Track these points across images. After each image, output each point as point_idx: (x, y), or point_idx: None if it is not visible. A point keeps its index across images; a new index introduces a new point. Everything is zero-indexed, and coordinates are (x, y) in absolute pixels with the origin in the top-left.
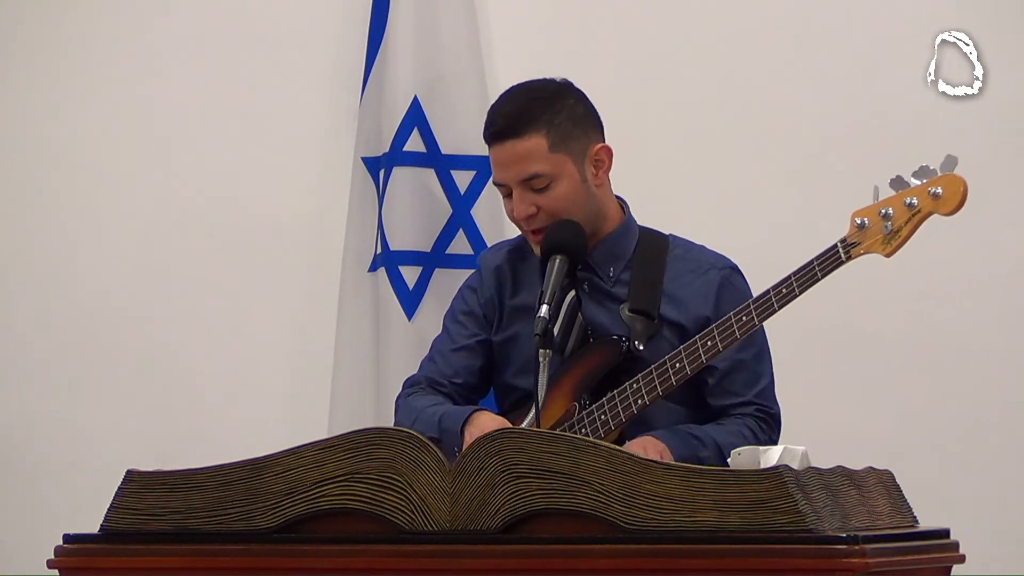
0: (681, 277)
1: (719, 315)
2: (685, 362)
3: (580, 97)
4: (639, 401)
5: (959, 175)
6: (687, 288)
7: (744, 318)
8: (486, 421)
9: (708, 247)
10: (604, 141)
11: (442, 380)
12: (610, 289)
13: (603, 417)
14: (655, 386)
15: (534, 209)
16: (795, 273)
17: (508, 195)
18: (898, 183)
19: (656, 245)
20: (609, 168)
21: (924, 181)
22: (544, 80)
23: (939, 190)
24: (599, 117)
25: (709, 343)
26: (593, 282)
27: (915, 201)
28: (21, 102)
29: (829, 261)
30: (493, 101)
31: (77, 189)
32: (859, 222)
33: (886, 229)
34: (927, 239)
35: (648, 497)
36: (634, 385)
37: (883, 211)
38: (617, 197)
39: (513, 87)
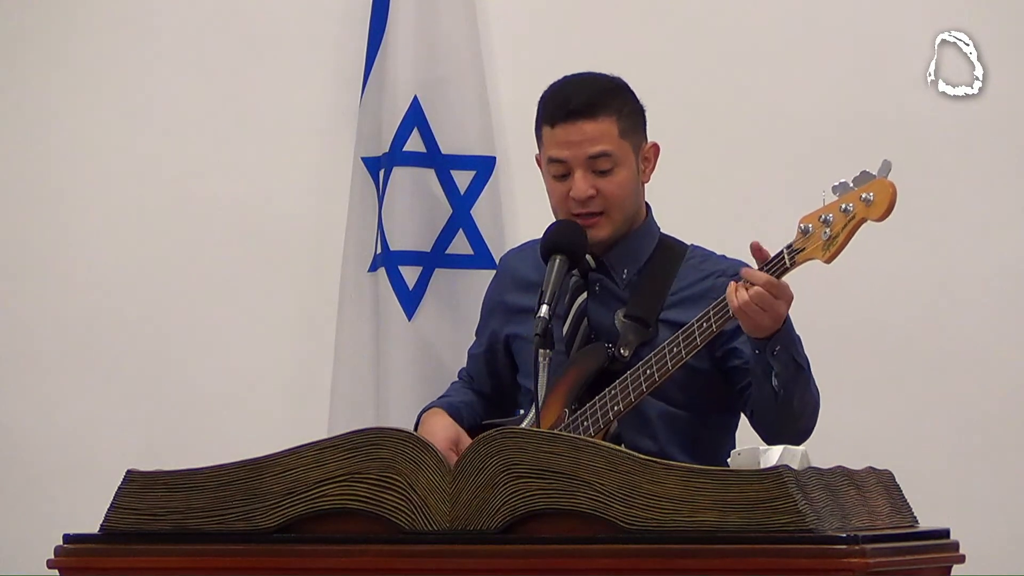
0: (691, 284)
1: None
2: (654, 369)
3: (635, 96)
4: (615, 407)
5: (889, 180)
6: (693, 293)
7: (704, 324)
8: (429, 425)
9: (728, 256)
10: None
11: (471, 376)
12: (620, 291)
13: (585, 423)
14: (628, 392)
15: (593, 191)
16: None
17: (561, 176)
18: (841, 188)
19: (673, 252)
20: (654, 167)
21: (863, 185)
22: (604, 73)
23: (871, 195)
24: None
25: (675, 350)
26: (605, 283)
27: (851, 207)
28: (21, 102)
29: (776, 268)
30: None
31: (77, 189)
32: (803, 228)
33: (825, 235)
34: (927, 239)
35: (648, 497)
36: (612, 392)
37: (823, 217)
38: None
39: (575, 75)
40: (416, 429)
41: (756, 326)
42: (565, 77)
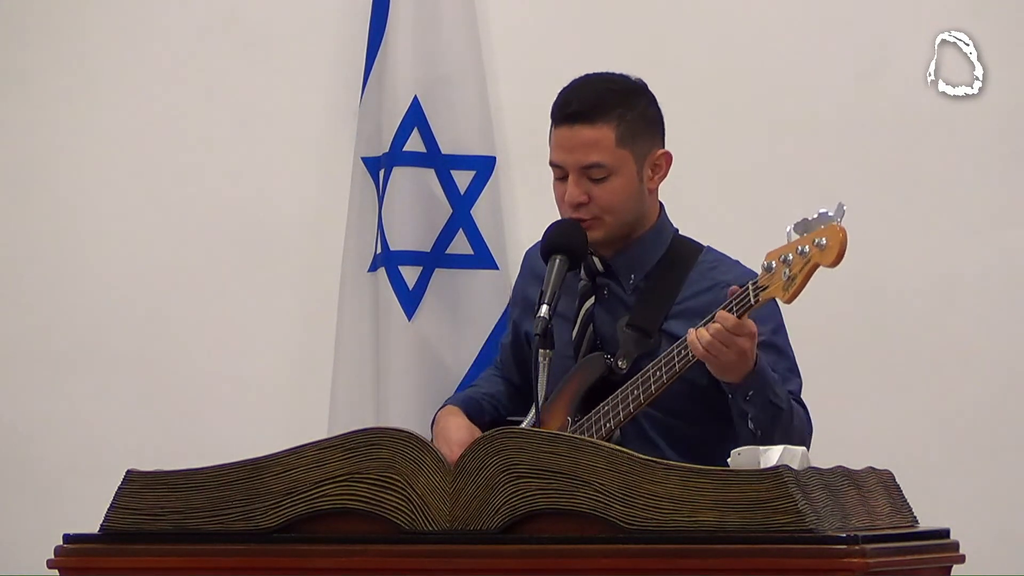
0: (696, 294)
1: None
2: (640, 391)
3: (652, 100)
4: (607, 425)
5: (840, 226)
6: (698, 305)
7: (683, 351)
8: (443, 426)
9: (743, 263)
10: (665, 147)
11: (502, 364)
12: (626, 297)
13: (584, 436)
14: (619, 411)
15: (586, 198)
16: (719, 309)
17: (562, 178)
18: (800, 227)
19: (685, 256)
20: (665, 175)
21: (817, 229)
22: (622, 75)
23: (824, 241)
24: (664, 124)
25: (657, 374)
26: (612, 289)
27: (807, 249)
28: (22, 102)
29: (742, 302)
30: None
31: (77, 190)
32: (766, 265)
33: (785, 275)
34: (927, 239)
35: (648, 497)
36: (604, 408)
37: (783, 256)
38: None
39: (590, 74)
40: (433, 425)
41: (723, 366)
42: (585, 75)
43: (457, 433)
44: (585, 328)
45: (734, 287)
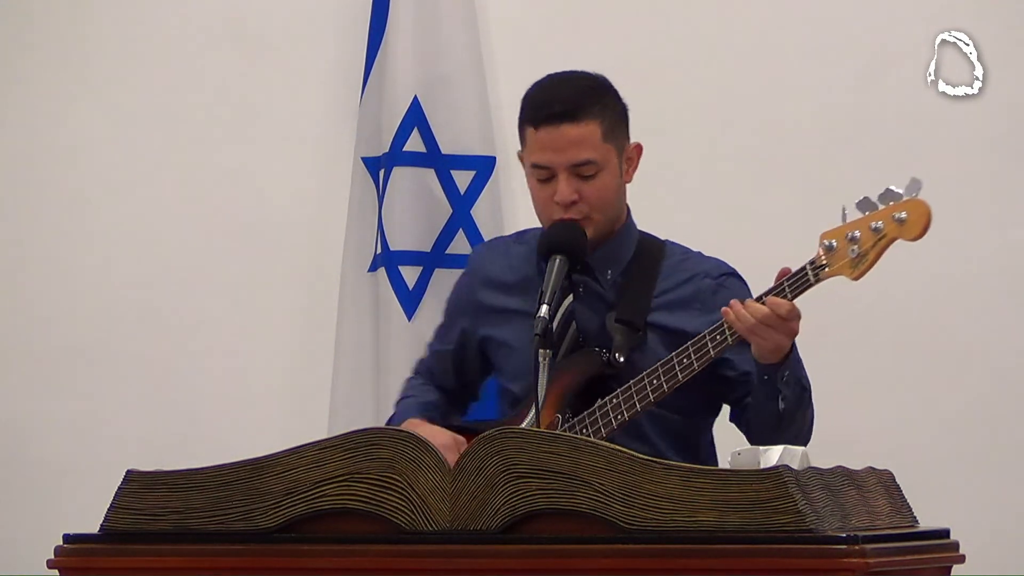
0: (676, 286)
1: (713, 324)
2: (663, 379)
3: (618, 94)
4: (619, 418)
5: (923, 200)
6: (680, 296)
7: (718, 337)
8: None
9: (705, 253)
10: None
11: (432, 372)
12: (604, 293)
13: (584, 432)
14: (634, 403)
15: (576, 196)
16: (766, 293)
17: (545, 179)
18: (865, 204)
19: (653, 251)
20: (636, 167)
21: (890, 204)
22: (587, 72)
23: (904, 215)
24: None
25: (685, 361)
26: (589, 285)
27: (881, 225)
28: (23, 102)
29: (799, 283)
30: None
31: (77, 190)
32: (827, 244)
33: (853, 252)
34: (927, 239)
35: (648, 497)
36: (613, 400)
37: (850, 234)
38: None
39: (555, 74)
40: None
41: (770, 349)
42: (549, 76)
43: (442, 436)
44: (566, 326)
45: (785, 267)
